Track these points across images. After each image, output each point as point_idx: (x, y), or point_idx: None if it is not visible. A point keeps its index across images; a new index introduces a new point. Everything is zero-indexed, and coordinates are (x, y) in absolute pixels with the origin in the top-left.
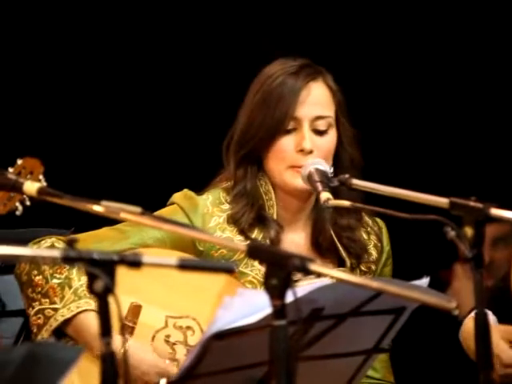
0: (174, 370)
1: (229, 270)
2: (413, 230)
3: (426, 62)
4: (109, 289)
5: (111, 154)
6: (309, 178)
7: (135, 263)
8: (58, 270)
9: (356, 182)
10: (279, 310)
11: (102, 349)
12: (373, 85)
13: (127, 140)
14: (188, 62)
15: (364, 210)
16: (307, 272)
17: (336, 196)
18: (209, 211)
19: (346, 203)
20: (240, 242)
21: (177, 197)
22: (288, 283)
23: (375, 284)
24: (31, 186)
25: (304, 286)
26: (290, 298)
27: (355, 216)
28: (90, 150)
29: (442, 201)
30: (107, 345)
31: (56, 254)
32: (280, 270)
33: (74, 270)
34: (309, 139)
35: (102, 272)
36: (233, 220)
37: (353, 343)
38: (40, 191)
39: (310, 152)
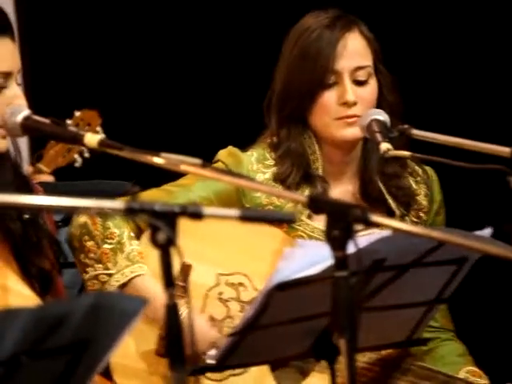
0: (223, 341)
1: (289, 220)
2: (473, 182)
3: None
4: (171, 240)
5: (161, 107)
6: (368, 129)
7: (196, 214)
8: (109, 235)
9: (416, 132)
10: (341, 261)
11: (165, 300)
12: (417, 31)
13: (177, 95)
14: (231, 23)
15: (419, 159)
16: (368, 223)
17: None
18: (253, 168)
19: (405, 153)
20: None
21: (221, 154)
22: (349, 234)
23: (437, 234)
24: (92, 138)
25: (365, 237)
26: (351, 248)
27: (400, 163)
28: (144, 101)
29: (504, 150)
30: (170, 296)
31: (119, 205)
32: (341, 221)
33: (125, 235)
34: (351, 91)
35: (163, 224)
36: (279, 179)
37: (414, 294)
38: (101, 143)
39: (354, 104)
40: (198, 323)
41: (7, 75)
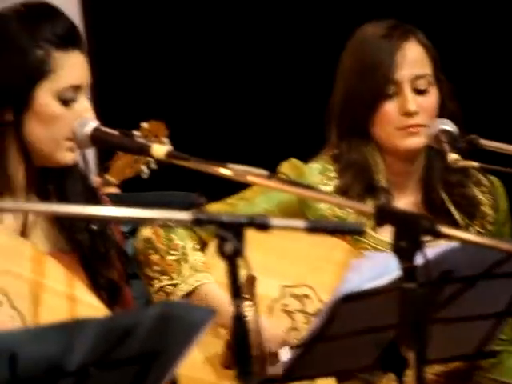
0: (293, 339)
1: (358, 231)
2: None
3: None
4: (238, 251)
5: (226, 118)
6: (436, 139)
7: (263, 225)
8: (173, 247)
9: (484, 141)
10: (409, 273)
11: (232, 310)
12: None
13: (242, 108)
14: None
15: (487, 169)
16: (436, 234)
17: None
18: (316, 180)
19: (474, 164)
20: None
21: (284, 166)
22: (417, 245)
23: (506, 245)
24: (159, 149)
25: (432, 248)
26: (419, 260)
27: (464, 173)
28: (210, 113)
29: None
30: (238, 307)
31: (186, 216)
32: (409, 232)
33: (189, 246)
34: (412, 100)
35: (231, 234)
36: (341, 192)
37: (483, 306)
38: (168, 154)
39: (415, 113)
40: (266, 324)
41: (77, 88)
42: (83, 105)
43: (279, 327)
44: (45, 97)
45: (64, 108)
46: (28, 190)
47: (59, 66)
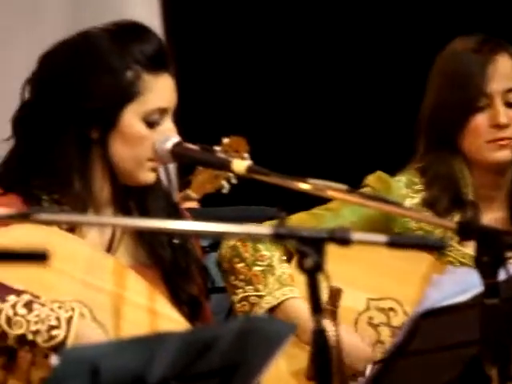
0: (377, 355)
1: (440, 247)
2: None
3: None
4: (319, 266)
5: (308, 134)
6: None
7: (344, 240)
8: (259, 258)
9: None
10: (492, 288)
11: (313, 326)
12: None
13: (324, 123)
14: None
15: None
16: None
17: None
18: (402, 193)
19: None
20: (448, 221)
21: (370, 179)
22: (500, 261)
23: None
24: (240, 164)
25: None
26: (502, 275)
27: None
28: (291, 128)
29: None
30: (318, 322)
31: (266, 231)
32: (492, 248)
33: (275, 257)
34: (503, 113)
35: (311, 249)
36: (428, 205)
37: None
38: (249, 169)
39: (506, 126)
40: (353, 341)
41: (163, 111)
42: (168, 126)
43: (366, 344)
44: (131, 118)
45: (149, 130)
46: (111, 206)
47: (148, 88)
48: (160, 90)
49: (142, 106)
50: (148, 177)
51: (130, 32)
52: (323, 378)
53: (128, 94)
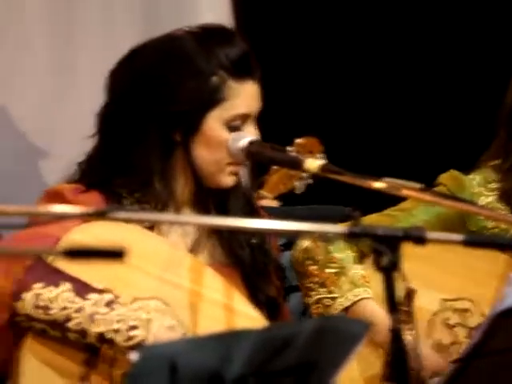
0: (447, 367)
1: None
2: None
3: None
4: (395, 264)
5: (381, 133)
6: None
7: (420, 239)
8: (332, 260)
9: None
10: None
11: (389, 325)
12: None
13: (397, 120)
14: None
15: None
16: None
17: None
18: (476, 191)
19: None
20: None
21: (443, 177)
22: None
23: None
24: (313, 163)
25: None
26: None
27: None
28: (364, 128)
29: None
30: (395, 321)
31: (341, 229)
32: None
33: (348, 259)
34: None
35: (387, 248)
36: (506, 197)
37: None
38: (323, 168)
39: None
40: (424, 351)
41: (246, 117)
42: (250, 132)
43: (435, 354)
44: (214, 123)
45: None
46: (191, 206)
47: (232, 95)
48: (244, 97)
49: (226, 112)
50: (228, 180)
51: (215, 35)
52: (400, 378)
53: (213, 99)
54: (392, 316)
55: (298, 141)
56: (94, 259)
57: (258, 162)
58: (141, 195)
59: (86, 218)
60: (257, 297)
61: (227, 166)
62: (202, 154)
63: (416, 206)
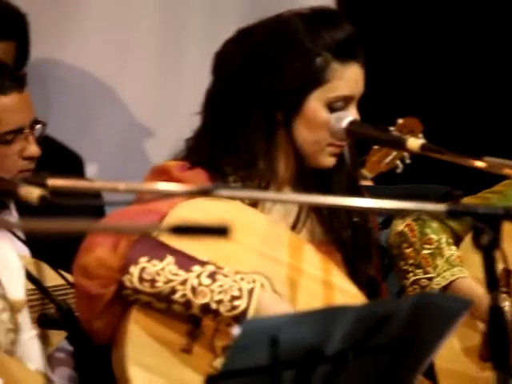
0: None
1: None
2: None
3: None
4: (495, 243)
5: (482, 113)
6: None
7: None
8: (427, 241)
9: None
10: None
11: (489, 303)
12: None
13: (496, 100)
14: None
15: None
16: None
17: None
18: None
19: None
20: None
21: None
22: None
23: None
24: (415, 143)
25: None
26: None
27: None
28: (466, 108)
29: None
30: (495, 298)
31: (442, 208)
32: None
33: (443, 240)
34: None
35: (487, 226)
36: None
37: None
38: (423, 147)
39: None
40: None
41: (348, 99)
42: (352, 114)
43: None
44: (315, 103)
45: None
46: (293, 185)
47: (336, 77)
48: (347, 80)
49: (328, 93)
50: (328, 161)
51: (323, 18)
52: (499, 356)
53: (316, 79)
54: (492, 294)
55: (400, 121)
56: (199, 236)
57: (361, 141)
58: (245, 173)
59: (193, 195)
60: (356, 276)
61: (328, 146)
62: (303, 133)
63: (509, 188)
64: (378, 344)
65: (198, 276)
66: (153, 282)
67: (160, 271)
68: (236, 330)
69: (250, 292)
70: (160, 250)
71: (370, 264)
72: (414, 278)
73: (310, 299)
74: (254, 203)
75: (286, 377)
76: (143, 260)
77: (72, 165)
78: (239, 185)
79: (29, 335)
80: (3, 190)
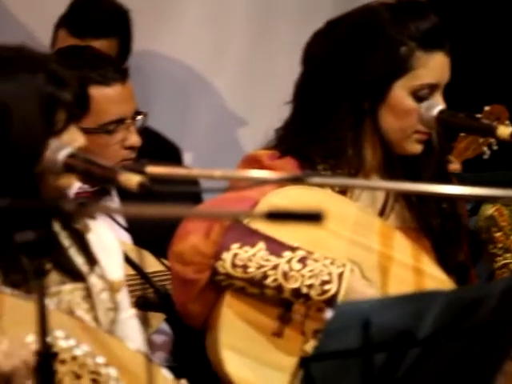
0: None
1: None
2: None
3: None
4: None
5: None
6: None
7: None
8: None
9: None
10: None
11: None
12: None
13: None
14: None
15: None
16: None
17: None
18: None
19: None
20: None
21: None
22: None
23: None
24: (504, 130)
25: None
26: None
27: None
28: None
29: None
30: None
31: None
32: None
33: None
34: None
35: None
36: None
37: None
38: None
39: None
40: None
41: (433, 87)
42: (437, 101)
43: None
44: (400, 91)
45: (417, 103)
46: (380, 172)
47: (420, 65)
48: (432, 68)
49: (413, 81)
50: (414, 148)
51: (409, 8)
52: None
53: (400, 68)
54: None
55: (487, 108)
56: (293, 222)
57: (451, 128)
58: (334, 162)
59: (284, 182)
60: (445, 262)
61: (414, 133)
62: (389, 121)
63: None
64: (468, 328)
65: (289, 261)
66: (245, 267)
67: (252, 257)
68: (328, 314)
69: (340, 276)
70: (251, 237)
71: (459, 250)
72: (504, 261)
73: (401, 285)
74: (343, 191)
75: (376, 360)
76: (235, 246)
77: (170, 154)
78: (329, 173)
79: (127, 314)
80: (105, 177)
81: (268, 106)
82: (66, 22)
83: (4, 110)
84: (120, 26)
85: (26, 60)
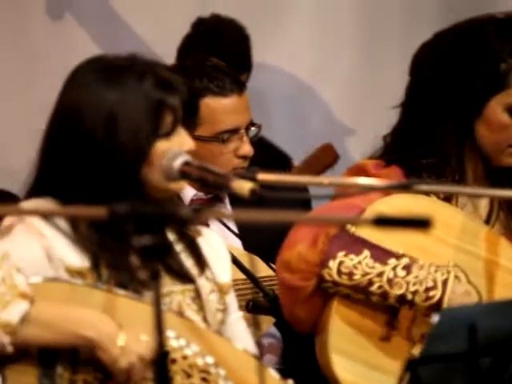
0: None
1: None
2: None
3: None
4: None
5: None
6: None
7: None
8: None
9: None
10: None
11: None
12: None
13: None
14: None
15: None
16: None
17: None
18: None
19: None
20: None
21: None
22: None
23: None
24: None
25: None
26: None
27: None
28: None
29: None
30: None
31: None
32: None
33: None
34: None
35: None
36: None
37: None
38: None
39: None
40: None
41: None
42: None
43: None
44: (496, 107)
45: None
46: (483, 182)
47: None
48: None
49: (508, 98)
50: (509, 161)
51: None
52: None
53: (499, 84)
54: None
55: None
56: (401, 228)
57: None
58: (439, 171)
59: (392, 190)
60: None
61: (507, 147)
62: (484, 135)
63: None
64: None
65: (394, 268)
66: (351, 274)
67: (357, 264)
68: (434, 318)
69: (444, 283)
70: (356, 245)
71: None
72: None
73: (506, 291)
74: (447, 198)
75: (481, 364)
76: (340, 255)
77: (282, 163)
78: (434, 181)
79: (236, 316)
80: (218, 184)
81: (375, 115)
82: None
83: (111, 113)
84: (246, 63)
85: (136, 67)
